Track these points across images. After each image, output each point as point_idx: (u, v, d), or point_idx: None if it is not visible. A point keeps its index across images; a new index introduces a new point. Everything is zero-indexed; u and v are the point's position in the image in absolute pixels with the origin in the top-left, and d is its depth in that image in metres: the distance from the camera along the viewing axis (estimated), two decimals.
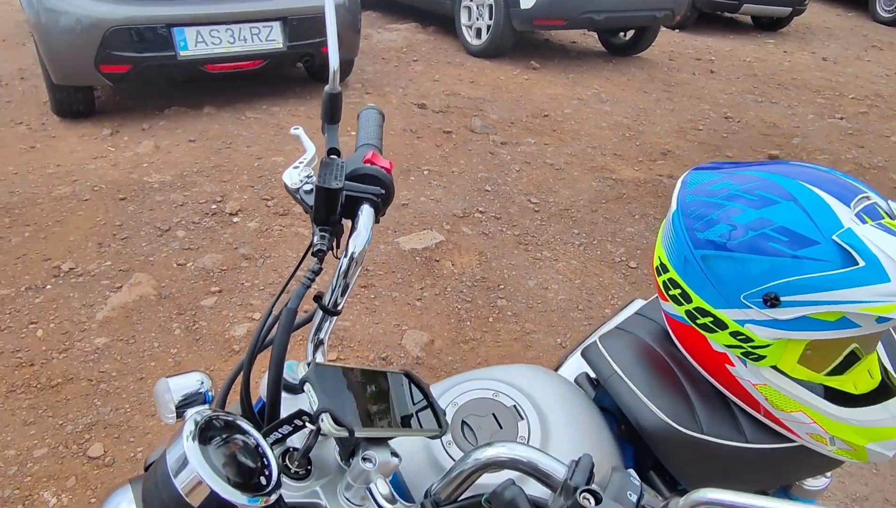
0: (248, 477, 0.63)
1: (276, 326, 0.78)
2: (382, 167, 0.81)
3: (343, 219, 0.82)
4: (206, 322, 2.42)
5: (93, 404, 2.05)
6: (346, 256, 0.78)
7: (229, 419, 0.67)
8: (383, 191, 0.80)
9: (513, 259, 2.98)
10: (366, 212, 0.79)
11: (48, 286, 2.53)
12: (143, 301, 2.49)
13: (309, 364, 0.69)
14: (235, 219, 3.06)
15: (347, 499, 0.68)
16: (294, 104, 4.50)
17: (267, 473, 0.64)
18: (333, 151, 0.81)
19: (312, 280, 0.77)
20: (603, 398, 1.16)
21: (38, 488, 1.78)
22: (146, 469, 0.73)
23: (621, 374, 1.02)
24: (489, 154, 3.97)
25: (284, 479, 0.70)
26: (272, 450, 0.68)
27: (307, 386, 0.67)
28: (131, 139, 3.77)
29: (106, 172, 3.39)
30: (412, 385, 0.80)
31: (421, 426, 0.75)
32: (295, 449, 0.73)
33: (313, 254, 0.76)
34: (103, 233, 2.88)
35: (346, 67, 4.91)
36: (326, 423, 0.63)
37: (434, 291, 2.72)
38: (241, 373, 0.78)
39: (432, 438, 0.79)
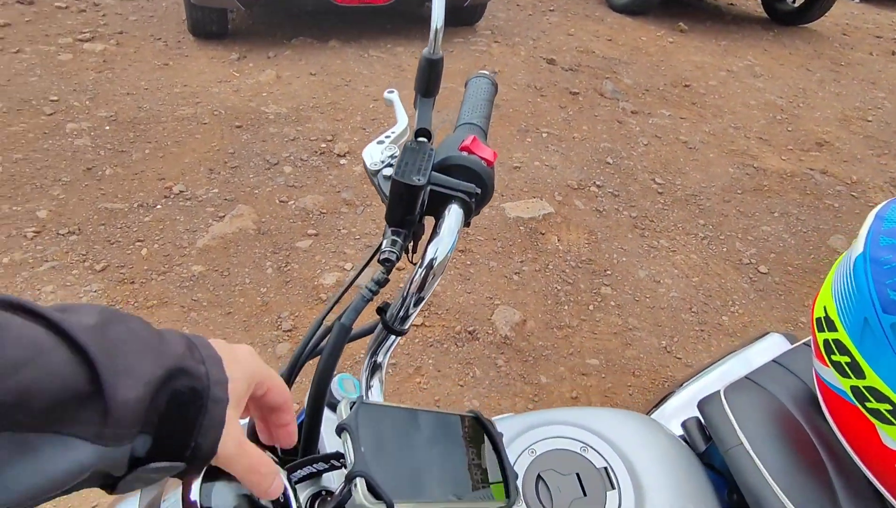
0: None
1: (326, 339, 0.64)
2: (483, 158, 0.64)
3: (425, 216, 0.67)
4: (298, 265, 2.39)
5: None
6: (422, 264, 0.63)
7: None
8: (479, 190, 0.63)
9: (625, 244, 2.72)
10: (453, 213, 0.63)
11: (158, 206, 2.59)
12: (242, 234, 2.50)
13: (353, 405, 0.55)
14: (343, 161, 3.00)
15: None
16: (419, 45, 4.34)
17: None
18: (423, 132, 0.64)
19: (375, 293, 0.62)
20: (714, 454, 0.95)
21: None
22: None
23: (749, 448, 0.81)
24: (616, 123, 3.64)
25: None
26: (296, 493, 0.56)
27: (344, 435, 0.53)
28: (256, 66, 3.79)
29: (227, 97, 3.43)
30: (481, 433, 0.65)
31: (482, 494, 0.60)
32: (328, 493, 0.61)
33: (380, 261, 0.61)
34: (216, 159, 2.91)
35: (479, 10, 4.67)
36: (360, 492, 0.49)
37: (534, 266, 2.54)
38: None
39: None
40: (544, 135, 3.43)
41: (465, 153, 0.63)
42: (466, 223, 0.66)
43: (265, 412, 0.51)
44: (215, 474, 0.51)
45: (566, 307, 2.38)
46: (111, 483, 0.37)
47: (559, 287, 2.45)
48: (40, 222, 2.45)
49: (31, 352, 0.31)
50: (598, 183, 3.08)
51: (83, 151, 2.88)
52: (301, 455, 0.62)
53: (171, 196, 2.65)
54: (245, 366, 0.44)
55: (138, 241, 2.42)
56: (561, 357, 2.19)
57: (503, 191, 2.93)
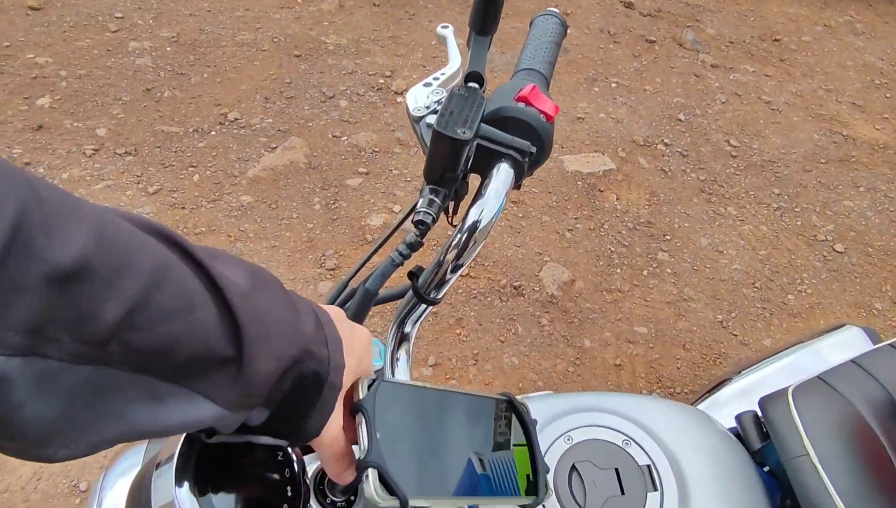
0: (272, 496, 0.48)
1: (350, 303, 0.58)
2: (542, 112, 0.55)
3: (470, 174, 0.58)
4: (346, 203, 2.35)
5: None
6: (462, 228, 0.55)
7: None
8: (533, 149, 0.54)
9: (689, 208, 2.56)
10: (502, 173, 0.55)
11: (212, 133, 2.58)
12: (292, 167, 2.46)
13: (371, 385, 0.49)
14: (399, 99, 2.90)
15: None
16: None
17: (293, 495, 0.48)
18: (474, 77, 0.55)
19: (406, 257, 0.55)
20: (770, 453, 0.87)
21: None
22: None
23: (815, 460, 0.72)
24: (693, 76, 3.39)
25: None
26: (304, 466, 0.51)
27: (359, 417, 0.47)
28: None
29: (288, 24, 3.34)
30: (513, 419, 0.59)
31: (508, 487, 0.54)
32: None
33: (413, 222, 0.54)
34: (272, 88, 2.86)
35: None
36: (371, 485, 0.44)
37: (589, 224, 2.42)
38: None
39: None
40: (613, 85, 3.23)
41: (521, 105, 0.54)
42: (517, 185, 0.58)
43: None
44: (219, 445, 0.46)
45: (618, 271, 2.27)
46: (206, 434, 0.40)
47: (613, 249, 2.34)
48: (99, 141, 2.47)
49: (186, 304, 0.30)
50: (666, 141, 2.89)
51: (144, 70, 2.87)
52: None
53: (226, 123, 2.63)
54: (359, 355, 0.44)
55: (191, 166, 2.41)
56: (608, 322, 2.10)
57: (563, 142, 2.79)
